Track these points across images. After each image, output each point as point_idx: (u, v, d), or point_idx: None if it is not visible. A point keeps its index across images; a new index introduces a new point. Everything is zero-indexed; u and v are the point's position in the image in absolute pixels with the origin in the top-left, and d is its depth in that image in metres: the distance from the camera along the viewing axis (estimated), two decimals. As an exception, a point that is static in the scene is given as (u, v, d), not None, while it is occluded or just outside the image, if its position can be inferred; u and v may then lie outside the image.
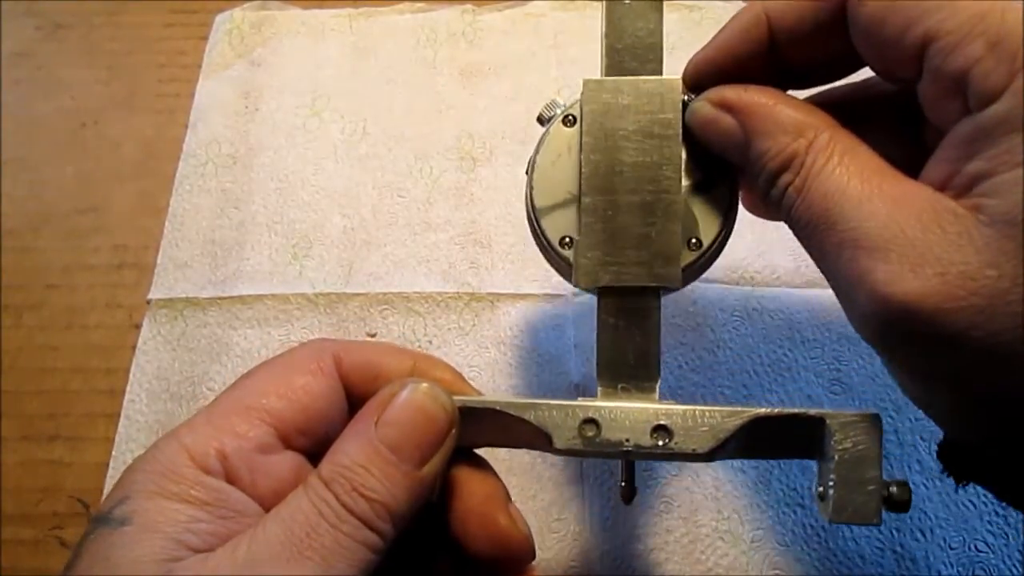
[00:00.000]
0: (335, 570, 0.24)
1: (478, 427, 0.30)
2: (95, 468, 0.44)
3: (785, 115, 0.28)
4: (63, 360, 0.48)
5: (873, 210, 0.25)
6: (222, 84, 0.57)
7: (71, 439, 0.45)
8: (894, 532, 0.40)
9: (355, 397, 0.30)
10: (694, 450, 0.28)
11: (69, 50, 0.60)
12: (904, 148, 0.27)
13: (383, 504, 0.25)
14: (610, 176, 0.31)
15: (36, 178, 0.54)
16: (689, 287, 0.47)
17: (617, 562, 0.40)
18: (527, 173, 0.34)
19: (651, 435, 0.29)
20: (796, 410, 0.29)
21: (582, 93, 0.32)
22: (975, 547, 0.40)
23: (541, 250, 0.34)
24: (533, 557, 0.30)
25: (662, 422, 0.29)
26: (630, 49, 0.32)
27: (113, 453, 0.44)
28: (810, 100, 0.30)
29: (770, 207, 0.29)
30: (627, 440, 0.29)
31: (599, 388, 0.31)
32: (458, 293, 0.48)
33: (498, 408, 0.29)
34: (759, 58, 0.30)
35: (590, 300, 0.47)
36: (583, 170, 0.32)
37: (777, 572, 0.40)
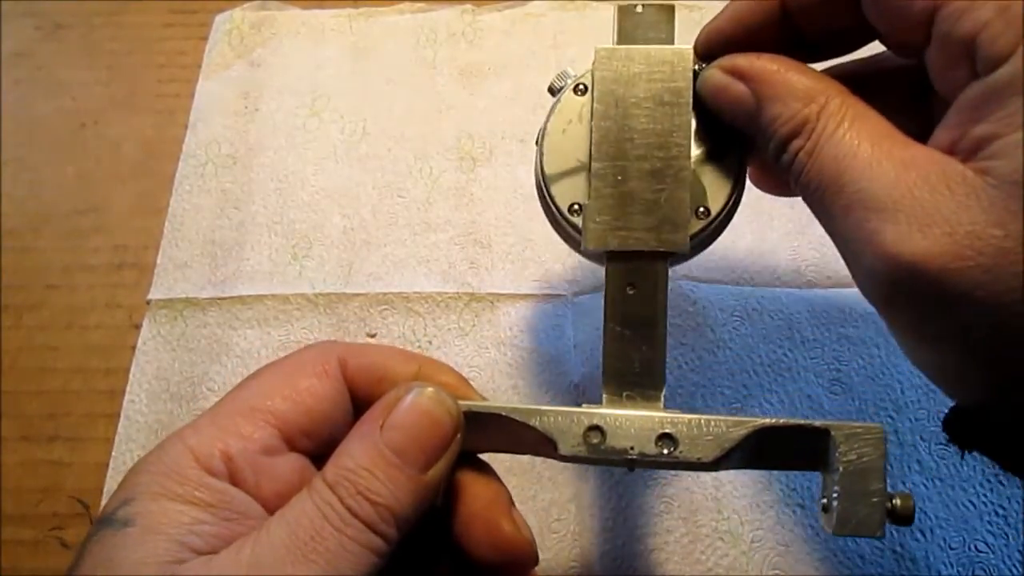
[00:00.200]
0: (339, 573, 0.24)
1: (482, 432, 0.30)
2: (95, 468, 0.44)
3: (797, 81, 0.28)
4: (63, 360, 0.48)
5: (882, 172, 0.25)
6: (222, 84, 0.57)
7: (71, 439, 0.45)
8: (894, 532, 0.40)
9: (360, 400, 0.30)
10: (699, 459, 0.28)
11: (69, 50, 0.59)
12: (912, 123, 0.27)
13: (387, 507, 0.25)
14: (620, 143, 0.32)
15: (36, 178, 0.54)
16: (689, 287, 0.47)
17: (617, 562, 0.40)
18: (537, 143, 0.34)
19: (656, 443, 0.29)
20: (801, 421, 0.29)
21: (594, 61, 0.32)
22: (975, 547, 0.40)
23: (549, 218, 0.34)
24: (536, 563, 0.30)
25: (667, 430, 0.29)
26: None
27: (113, 453, 0.44)
28: None
29: (779, 175, 0.29)
30: (632, 448, 0.29)
31: (604, 396, 0.31)
32: (458, 293, 0.48)
33: (503, 414, 0.29)
34: (770, 29, 0.30)
35: (590, 300, 0.48)
36: (593, 136, 0.32)
37: (777, 572, 0.40)
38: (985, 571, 0.39)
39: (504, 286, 0.48)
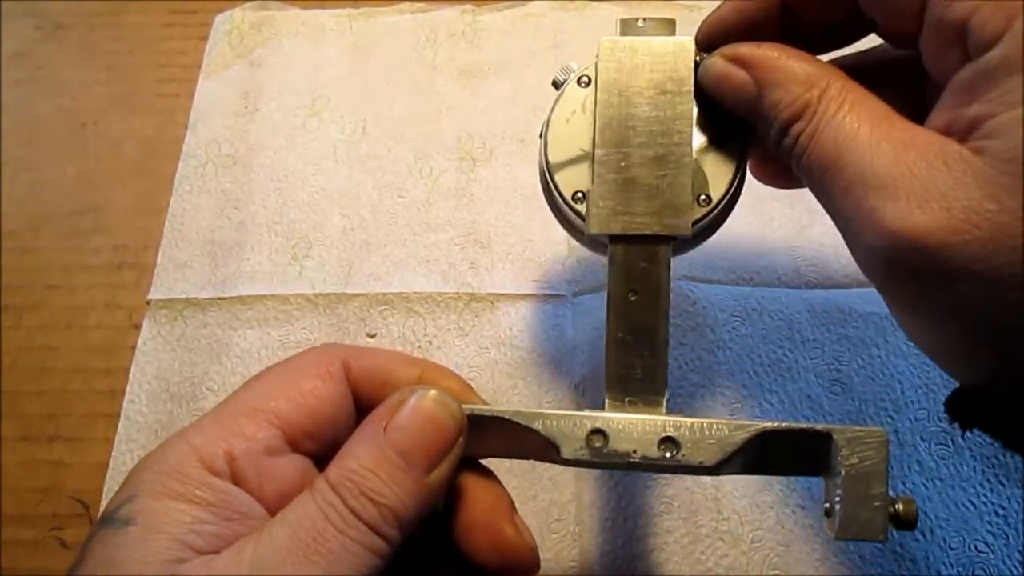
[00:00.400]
0: (341, 574, 0.24)
1: (484, 436, 0.30)
2: (95, 468, 0.44)
3: (797, 67, 0.29)
4: (63, 360, 0.48)
5: (882, 152, 0.26)
6: (222, 84, 0.57)
7: (71, 439, 0.45)
8: (894, 533, 0.40)
9: (363, 403, 0.30)
10: (701, 462, 0.29)
11: (69, 50, 0.59)
12: (909, 112, 0.28)
13: (390, 509, 0.25)
14: (623, 130, 0.32)
15: (36, 178, 0.54)
16: (689, 287, 0.47)
17: (617, 563, 0.40)
18: (540, 135, 0.34)
19: (658, 447, 0.29)
20: (803, 424, 0.29)
21: (598, 51, 0.33)
22: (975, 547, 0.40)
23: (552, 207, 0.35)
24: (538, 568, 0.30)
25: (670, 434, 0.29)
26: None
27: (113, 453, 0.44)
28: None
29: (780, 160, 0.30)
30: (634, 451, 0.29)
31: (607, 401, 0.31)
32: (458, 293, 0.48)
33: (506, 417, 0.29)
34: (770, 20, 0.31)
35: (590, 300, 0.48)
36: (597, 124, 0.32)
37: (777, 572, 0.40)
38: (985, 571, 0.39)
39: (504, 286, 0.48)
